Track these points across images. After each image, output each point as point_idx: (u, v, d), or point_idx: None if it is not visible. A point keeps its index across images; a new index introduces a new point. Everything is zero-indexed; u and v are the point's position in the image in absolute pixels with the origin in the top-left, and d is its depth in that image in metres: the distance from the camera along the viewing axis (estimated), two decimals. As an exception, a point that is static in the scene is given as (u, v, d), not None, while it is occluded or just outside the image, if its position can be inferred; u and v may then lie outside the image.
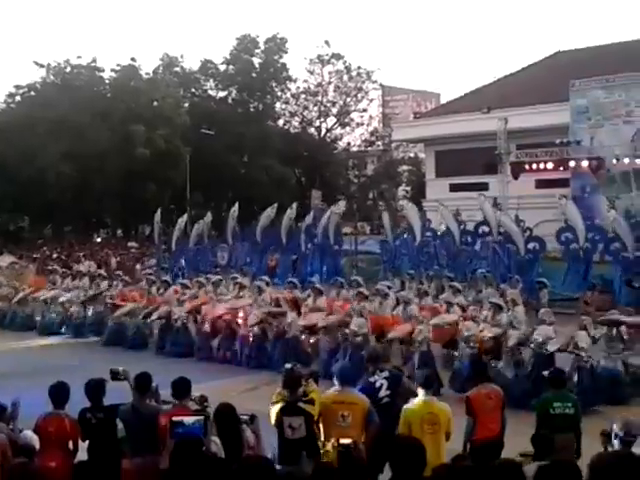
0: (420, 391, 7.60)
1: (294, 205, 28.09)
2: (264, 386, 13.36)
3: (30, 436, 7.51)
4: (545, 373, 9.07)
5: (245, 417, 6.82)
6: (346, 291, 18.96)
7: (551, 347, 13.28)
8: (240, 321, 17.80)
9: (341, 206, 27.83)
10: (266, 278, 21.12)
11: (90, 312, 21.81)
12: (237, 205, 28.42)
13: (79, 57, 53.02)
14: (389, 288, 18.57)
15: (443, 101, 59.20)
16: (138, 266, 31.85)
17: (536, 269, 22.80)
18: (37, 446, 7.31)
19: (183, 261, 28.31)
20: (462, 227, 25.15)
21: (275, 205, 28.18)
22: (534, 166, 34.18)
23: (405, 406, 7.57)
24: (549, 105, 36.40)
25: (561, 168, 33.69)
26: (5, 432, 6.86)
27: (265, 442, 6.98)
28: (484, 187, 37.08)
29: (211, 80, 60.18)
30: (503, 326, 14.57)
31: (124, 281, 22.90)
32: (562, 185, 33.95)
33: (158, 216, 28.98)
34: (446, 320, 15.60)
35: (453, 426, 7.51)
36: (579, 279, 22.40)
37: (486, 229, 24.00)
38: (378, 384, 8.12)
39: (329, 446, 7.08)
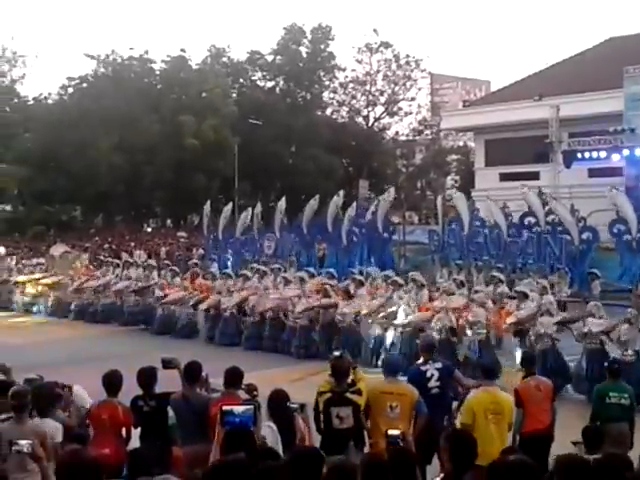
0: (484, 381, 7.57)
1: (341, 193, 27.99)
2: (312, 376, 13.41)
3: (81, 394, 7.75)
4: (605, 364, 9.02)
5: (295, 405, 6.86)
6: (381, 281, 19.09)
7: (595, 328, 13.10)
8: (289, 312, 17.94)
9: (391, 194, 27.63)
10: (311, 269, 21.27)
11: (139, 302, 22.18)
12: (284, 199, 28.46)
13: (131, 49, 53.78)
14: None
15: (493, 89, 58.32)
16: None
17: (588, 260, 22.44)
18: (87, 404, 7.67)
19: (230, 251, 28.50)
20: (509, 220, 24.86)
21: (317, 197, 28.09)
22: (587, 154, 33.58)
23: (469, 395, 7.55)
24: (602, 92, 35.66)
25: (615, 156, 33.04)
26: (61, 418, 7.02)
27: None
28: (535, 176, 36.57)
29: (259, 71, 60.38)
30: (529, 310, 14.56)
31: (173, 271, 23.18)
32: (616, 174, 33.29)
33: (208, 207, 29.21)
34: (452, 305, 15.55)
35: (514, 416, 7.48)
36: (635, 270, 21.97)
37: (532, 220, 23.67)
38: (429, 374, 8.03)
39: (377, 436, 7.09)
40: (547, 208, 24.14)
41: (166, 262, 26.01)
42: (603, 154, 33.17)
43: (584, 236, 22.81)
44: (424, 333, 14.45)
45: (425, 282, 17.93)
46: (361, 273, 20.79)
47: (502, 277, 18.78)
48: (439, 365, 8.17)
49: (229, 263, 26.58)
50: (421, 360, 8.37)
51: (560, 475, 4.47)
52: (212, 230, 29.54)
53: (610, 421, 8.03)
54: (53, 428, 6.72)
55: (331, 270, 20.91)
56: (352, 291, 17.88)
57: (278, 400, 6.82)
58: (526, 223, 23.89)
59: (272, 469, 4.40)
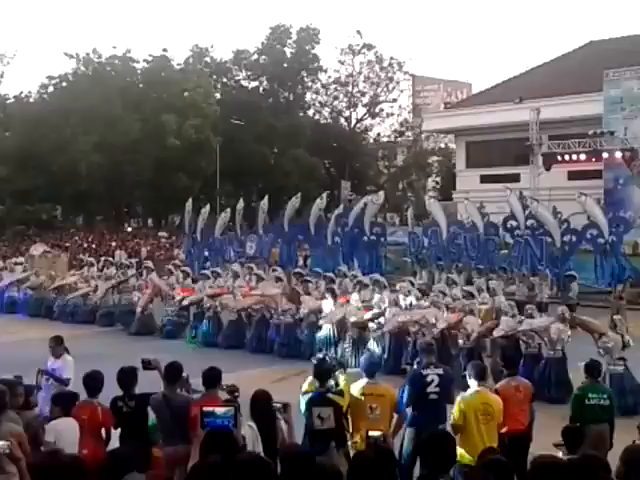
0: (474, 382, 7.61)
1: (324, 195, 27.93)
2: (294, 376, 13.40)
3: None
4: (580, 364, 9.03)
5: (278, 405, 6.86)
6: (349, 280, 19.16)
7: (496, 333, 13.82)
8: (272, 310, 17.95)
9: (380, 197, 27.57)
10: (278, 269, 21.40)
11: (117, 300, 22.14)
12: (267, 198, 28.36)
13: (114, 47, 53.57)
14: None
15: (474, 91, 58.71)
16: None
17: (569, 262, 22.61)
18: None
19: (206, 251, 28.38)
20: (485, 219, 25.00)
21: (299, 194, 27.96)
22: (566, 157, 33.85)
23: (459, 396, 7.60)
24: (582, 95, 35.97)
25: (594, 159, 33.32)
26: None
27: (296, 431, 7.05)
28: (515, 178, 36.81)
29: (243, 70, 60.27)
30: (460, 314, 15.02)
31: (148, 268, 23.14)
32: (595, 177, 33.62)
33: (189, 206, 29.05)
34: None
35: (502, 417, 7.55)
36: (613, 272, 22.19)
37: (514, 223, 23.81)
38: (429, 379, 7.96)
39: (358, 438, 7.11)
40: (527, 212, 24.31)
41: (146, 263, 25.89)
42: (582, 157, 33.43)
43: (566, 238, 22.96)
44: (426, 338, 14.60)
45: (387, 284, 18.03)
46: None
47: (457, 279, 19.38)
48: (440, 371, 8.09)
49: (207, 264, 26.41)
50: (422, 363, 8.32)
51: (534, 476, 4.51)
52: (193, 230, 29.37)
53: (590, 422, 8.04)
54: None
55: (300, 270, 21.02)
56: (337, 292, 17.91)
57: (261, 401, 6.82)
58: (508, 226, 24.01)
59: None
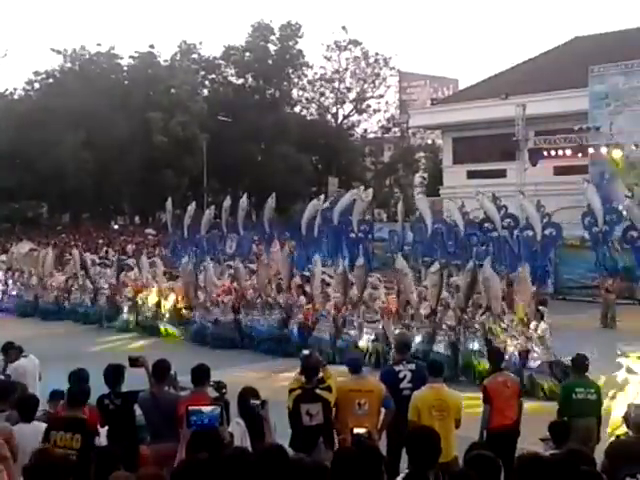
0: (428, 378, 7.61)
1: (322, 197, 27.82)
2: (281, 373, 13.41)
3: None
4: (568, 359, 9.10)
5: (256, 402, 6.84)
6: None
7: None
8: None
9: (369, 195, 27.47)
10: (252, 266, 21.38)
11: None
12: (245, 197, 28.22)
13: (98, 45, 53.36)
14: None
15: (461, 87, 58.73)
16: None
17: (548, 256, 22.73)
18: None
19: (194, 248, 28.25)
20: (465, 217, 25.12)
21: (274, 194, 27.86)
22: (552, 152, 33.97)
23: (414, 393, 7.59)
24: (568, 91, 36.08)
25: (580, 154, 33.45)
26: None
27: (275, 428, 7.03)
28: (502, 174, 36.94)
29: (232, 67, 60.10)
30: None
31: (127, 266, 23.24)
32: (581, 172, 33.67)
33: (169, 204, 28.91)
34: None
35: (462, 413, 7.52)
36: (604, 263, 22.37)
37: (490, 226, 23.94)
38: (402, 374, 7.97)
39: (345, 434, 7.10)
40: (502, 212, 24.49)
41: (127, 260, 25.91)
42: (568, 152, 33.55)
43: (547, 232, 23.11)
44: (400, 332, 14.63)
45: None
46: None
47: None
48: (412, 367, 8.09)
49: (183, 260, 26.32)
50: (396, 359, 8.35)
51: (520, 472, 4.53)
52: (175, 227, 29.21)
53: (577, 417, 8.07)
54: None
55: None
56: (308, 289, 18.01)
57: (247, 397, 6.81)
58: (484, 228, 24.16)
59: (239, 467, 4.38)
